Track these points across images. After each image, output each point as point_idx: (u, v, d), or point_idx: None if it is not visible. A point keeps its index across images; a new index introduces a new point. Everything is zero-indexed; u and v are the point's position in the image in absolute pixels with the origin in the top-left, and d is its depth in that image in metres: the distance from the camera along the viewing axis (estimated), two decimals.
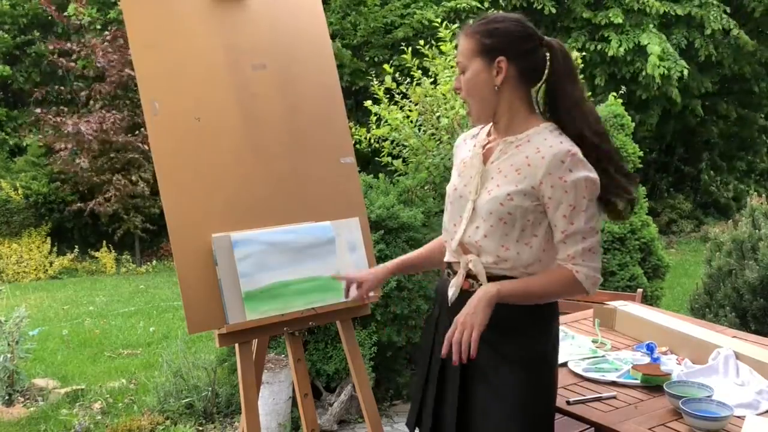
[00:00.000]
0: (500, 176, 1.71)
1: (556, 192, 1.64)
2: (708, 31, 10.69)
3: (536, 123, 1.73)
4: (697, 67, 11.47)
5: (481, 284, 1.71)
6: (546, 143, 1.67)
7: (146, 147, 9.84)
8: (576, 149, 1.65)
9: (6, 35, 11.38)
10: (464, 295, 1.73)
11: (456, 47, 1.86)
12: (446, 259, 1.85)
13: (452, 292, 1.77)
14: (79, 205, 10.01)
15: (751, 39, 11.18)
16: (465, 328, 1.60)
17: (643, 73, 10.60)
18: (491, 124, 1.82)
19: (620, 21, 10.45)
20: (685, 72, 10.28)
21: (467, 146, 1.88)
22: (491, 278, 1.70)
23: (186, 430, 3.63)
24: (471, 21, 1.77)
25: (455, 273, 1.79)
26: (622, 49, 10.49)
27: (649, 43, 10.27)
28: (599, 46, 10.73)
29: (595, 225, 1.67)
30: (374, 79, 5.82)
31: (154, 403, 3.93)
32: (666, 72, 10.16)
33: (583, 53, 9.78)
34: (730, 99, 12.27)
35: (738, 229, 4.19)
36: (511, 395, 1.69)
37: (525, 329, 1.72)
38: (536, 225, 1.68)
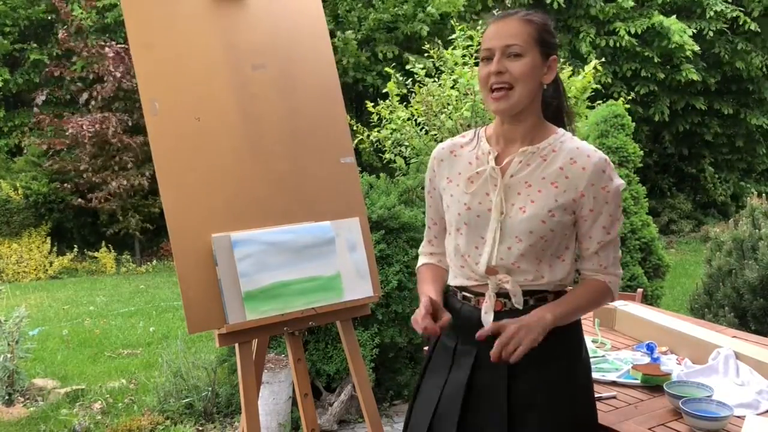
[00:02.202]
0: (532, 191, 1.60)
1: (597, 203, 1.59)
2: (711, 13, 10.78)
3: (552, 131, 1.65)
4: (707, 61, 11.54)
5: (513, 303, 1.62)
6: (580, 153, 1.60)
7: (145, 148, 9.84)
8: (607, 157, 1.62)
9: (5, 41, 11.37)
10: (498, 316, 1.61)
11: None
12: (459, 283, 1.71)
13: (490, 317, 1.63)
14: (79, 201, 10.02)
15: (750, 40, 11.26)
16: (515, 338, 1.47)
17: (654, 60, 10.67)
18: (482, 131, 1.73)
19: (631, 4, 10.54)
20: (696, 48, 10.40)
21: (461, 159, 1.71)
22: (526, 294, 1.63)
23: (186, 430, 3.63)
24: (508, 6, 1.70)
25: (474, 296, 1.67)
26: (633, 39, 10.55)
27: (662, 21, 10.39)
28: (609, 41, 10.78)
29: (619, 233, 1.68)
30: (379, 80, 5.85)
31: (154, 403, 3.93)
32: (683, 44, 10.29)
33: (594, 50, 9.84)
34: (728, 98, 12.29)
35: (738, 229, 4.19)
36: (559, 409, 1.61)
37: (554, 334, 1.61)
38: (570, 238, 1.63)
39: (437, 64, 5.44)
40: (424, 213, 4.15)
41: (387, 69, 5.70)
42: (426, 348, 1.91)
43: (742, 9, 11.07)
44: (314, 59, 2.45)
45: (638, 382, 2.08)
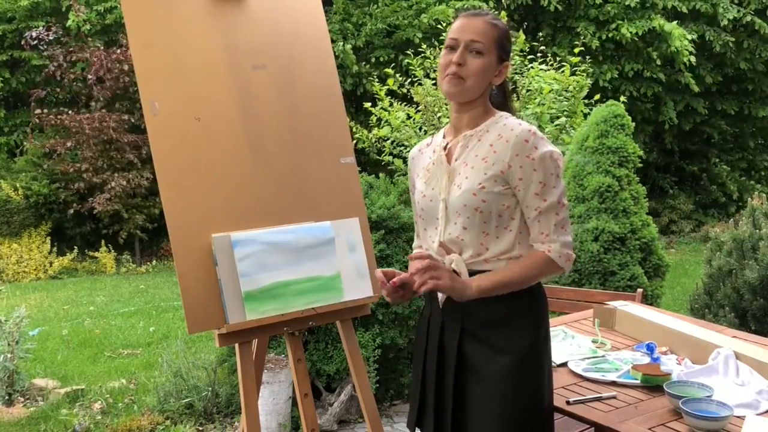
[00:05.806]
0: (467, 169, 1.75)
1: (525, 171, 1.69)
2: (724, 22, 10.77)
3: (492, 114, 1.81)
4: (711, 62, 11.53)
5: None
6: (506, 128, 1.74)
7: (147, 148, 9.86)
8: (535, 128, 1.73)
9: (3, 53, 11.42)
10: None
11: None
12: None
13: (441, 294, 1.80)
14: (79, 206, 10.02)
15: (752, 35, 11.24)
16: (431, 278, 1.63)
17: (657, 61, 10.64)
18: (443, 129, 1.90)
19: (635, 3, 10.52)
20: (692, 59, 10.40)
21: (425, 155, 1.92)
22: (472, 274, 1.73)
23: (186, 430, 3.63)
24: (478, 7, 1.83)
25: None
26: (634, 34, 10.51)
27: (664, 25, 10.36)
28: (610, 35, 10.74)
29: (564, 200, 1.73)
30: (376, 80, 5.88)
31: (154, 403, 3.93)
32: (685, 49, 10.28)
33: (594, 45, 9.79)
34: (730, 97, 12.29)
35: (738, 229, 4.19)
36: (503, 387, 1.70)
37: (513, 321, 1.74)
38: (513, 210, 1.73)
39: (432, 65, 5.46)
40: None
41: (387, 70, 5.72)
42: None
43: (752, 12, 11.05)
44: (314, 59, 2.45)
45: (638, 382, 2.08)
